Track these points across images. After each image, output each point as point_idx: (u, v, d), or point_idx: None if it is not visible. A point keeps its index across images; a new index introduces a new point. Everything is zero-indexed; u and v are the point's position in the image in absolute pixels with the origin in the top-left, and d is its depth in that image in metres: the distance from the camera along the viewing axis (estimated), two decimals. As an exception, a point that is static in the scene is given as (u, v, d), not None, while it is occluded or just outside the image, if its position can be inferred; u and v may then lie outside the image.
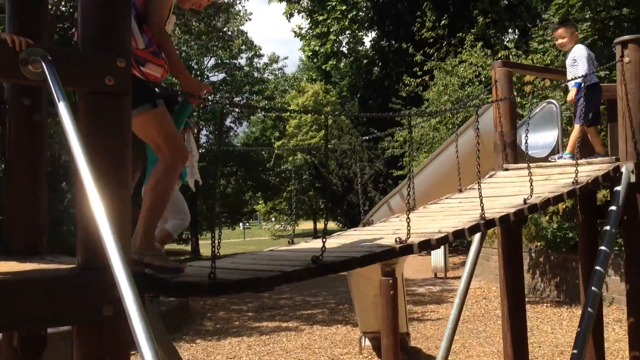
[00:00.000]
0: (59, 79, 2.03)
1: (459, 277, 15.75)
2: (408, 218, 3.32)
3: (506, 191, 4.51)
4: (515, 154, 5.19)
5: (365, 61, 25.61)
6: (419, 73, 17.55)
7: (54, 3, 11.84)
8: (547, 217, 11.84)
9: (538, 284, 12.45)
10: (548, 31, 14.64)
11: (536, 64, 14.41)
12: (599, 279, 4.06)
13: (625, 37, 4.53)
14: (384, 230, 4.13)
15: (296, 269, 2.78)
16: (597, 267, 4.09)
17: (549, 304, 11.32)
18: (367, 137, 9.71)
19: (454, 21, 20.32)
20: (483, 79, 16.01)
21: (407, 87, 17.85)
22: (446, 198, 4.83)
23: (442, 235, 3.40)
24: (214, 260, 2.59)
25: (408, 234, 3.22)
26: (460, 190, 4.88)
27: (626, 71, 4.44)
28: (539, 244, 12.30)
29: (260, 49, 31.57)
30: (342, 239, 4.02)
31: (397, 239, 3.23)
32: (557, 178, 4.50)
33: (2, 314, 1.98)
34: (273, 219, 34.50)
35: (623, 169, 4.34)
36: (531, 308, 11.21)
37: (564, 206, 10.32)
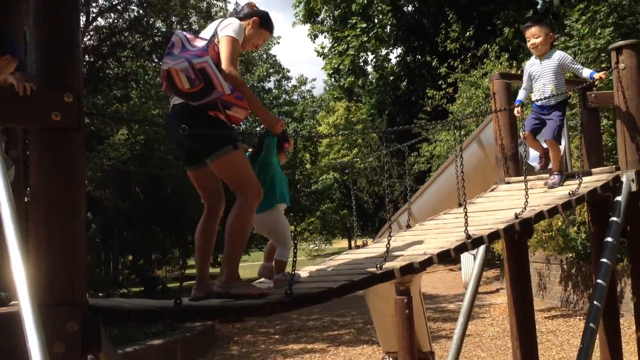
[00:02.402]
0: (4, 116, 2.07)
1: (492, 292, 15.46)
2: (388, 244, 3.29)
3: (504, 205, 4.40)
4: (517, 167, 5.07)
5: (391, 78, 25.58)
6: (443, 86, 17.44)
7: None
8: (575, 228, 11.52)
9: (570, 296, 12.09)
10: (574, 38, 14.41)
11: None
12: (600, 293, 3.92)
13: (620, 43, 4.40)
14: (377, 251, 4.07)
15: (267, 302, 2.76)
16: (599, 281, 3.96)
17: (581, 317, 10.94)
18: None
19: (479, 32, 20.17)
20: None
21: (432, 101, 17.74)
22: (444, 214, 4.75)
23: (426, 257, 3.33)
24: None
25: (384, 260, 3.17)
26: (460, 205, 4.79)
27: (622, 78, 4.31)
28: (570, 255, 11.98)
29: (289, 72, 31.96)
30: (332, 263, 3.99)
31: (378, 265, 3.18)
32: (556, 190, 4.38)
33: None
34: (307, 239, 34.55)
35: (623, 178, 4.20)
36: (564, 322, 10.89)
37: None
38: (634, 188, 4.16)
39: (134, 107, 12.26)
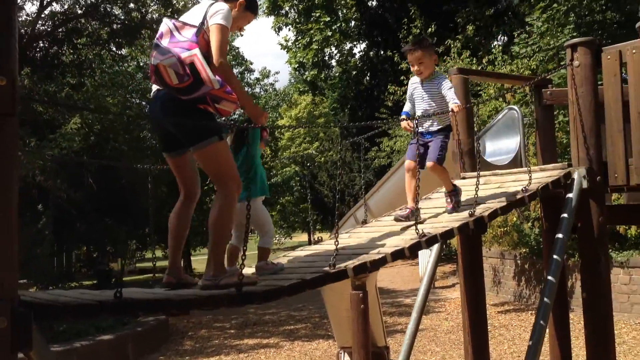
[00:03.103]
0: None
1: (448, 287, 15.63)
2: (336, 241, 3.24)
3: (459, 201, 4.39)
4: (473, 162, 5.07)
5: (354, 72, 25.62)
6: (405, 82, 17.50)
7: (27, 24, 11.80)
8: (529, 224, 11.73)
9: (523, 291, 12.31)
10: (534, 36, 14.63)
11: (521, 70, 14.41)
12: (550, 289, 3.94)
13: (575, 40, 4.43)
14: (330, 248, 4.02)
15: (212, 295, 2.67)
16: (549, 277, 3.98)
17: (534, 311, 11.13)
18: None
19: (441, 29, 20.33)
20: (469, 86, 15.94)
21: (393, 96, 17.81)
22: (399, 209, 4.71)
23: (380, 256, 3.30)
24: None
25: (334, 258, 3.12)
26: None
27: (576, 75, 4.33)
28: (523, 250, 12.19)
29: (252, 64, 31.68)
30: (286, 259, 3.92)
31: (331, 264, 3.13)
32: (509, 186, 4.40)
33: None
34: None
35: (575, 175, 4.23)
36: (516, 316, 11.08)
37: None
38: (585, 185, 4.20)
39: (87, 95, 11.90)
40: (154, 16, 13.92)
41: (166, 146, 3.29)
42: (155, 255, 4.14)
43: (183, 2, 14.90)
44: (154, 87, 3.24)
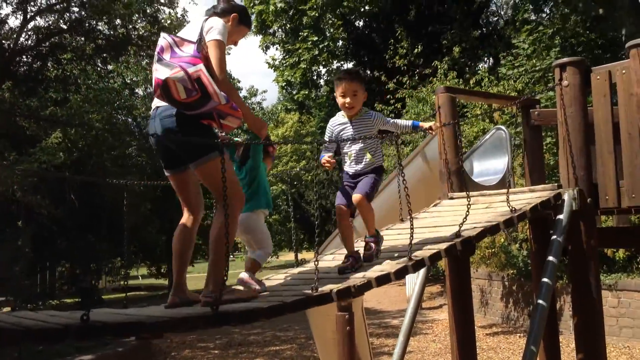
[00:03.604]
0: None
1: (435, 308, 15.49)
2: (317, 268, 3.14)
3: (446, 221, 4.29)
4: (460, 182, 4.99)
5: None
6: (391, 101, 17.52)
7: (10, 37, 11.64)
8: (517, 245, 11.66)
9: (511, 313, 12.21)
10: (520, 58, 14.74)
11: (507, 91, 14.47)
12: (541, 314, 3.84)
13: (564, 60, 4.38)
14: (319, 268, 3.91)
15: (188, 317, 2.54)
16: (539, 301, 3.88)
17: (522, 334, 11.04)
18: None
19: (427, 50, 20.43)
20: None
21: (379, 116, 17.78)
22: (386, 229, 4.61)
23: (365, 281, 3.18)
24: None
25: (315, 282, 3.01)
26: (402, 220, 4.67)
27: (565, 95, 4.28)
28: (511, 272, 12.11)
29: (239, 82, 31.58)
30: (270, 281, 3.80)
31: (314, 287, 3.02)
32: (498, 206, 4.31)
33: None
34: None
35: (565, 196, 4.16)
36: (504, 339, 10.96)
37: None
38: (575, 207, 4.12)
39: (72, 111, 11.74)
40: (140, 33, 13.82)
41: (167, 163, 3.27)
42: (127, 273, 3.99)
43: (170, 20, 14.82)
44: (154, 104, 3.22)
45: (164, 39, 3.13)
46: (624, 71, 4.10)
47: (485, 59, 23.65)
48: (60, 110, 11.43)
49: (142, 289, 30.70)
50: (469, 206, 3.75)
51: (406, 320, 5.14)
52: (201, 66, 3.00)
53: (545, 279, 3.89)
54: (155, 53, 3.12)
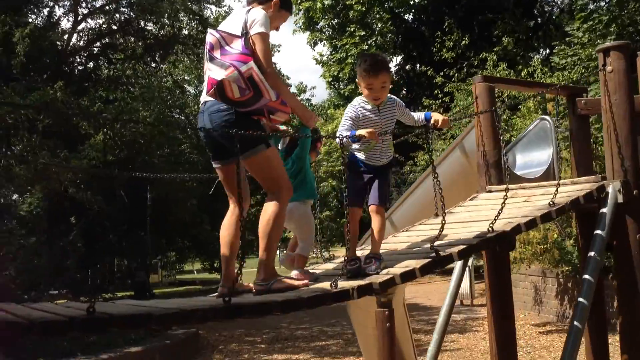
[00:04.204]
0: None
1: (485, 305, 15.11)
2: (344, 264, 3.05)
3: (481, 215, 4.12)
4: (499, 174, 4.79)
5: (390, 86, 25.36)
6: (439, 95, 17.19)
7: (58, 37, 11.94)
8: (571, 241, 11.22)
9: (567, 311, 11.77)
10: (574, 47, 14.16)
11: (561, 82, 13.94)
12: (582, 312, 3.63)
13: (607, 44, 4.14)
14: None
15: (199, 309, 2.50)
16: (580, 299, 3.67)
17: (575, 333, 10.61)
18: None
19: (479, 41, 19.95)
20: (505, 99, 15.56)
21: (427, 110, 17.50)
22: (419, 224, 4.48)
23: (388, 277, 3.08)
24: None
25: (336, 279, 2.93)
26: (437, 215, 4.52)
27: (609, 81, 4.04)
28: (566, 269, 11.67)
29: (289, 78, 31.73)
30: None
31: (333, 284, 2.93)
32: (537, 200, 4.11)
33: None
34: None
35: (609, 189, 3.92)
36: (558, 337, 10.56)
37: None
38: (620, 199, 3.89)
39: (119, 109, 12.02)
40: (188, 32, 14.02)
41: (215, 155, 3.36)
42: (150, 264, 4.01)
43: (215, 17, 14.97)
44: (202, 99, 3.29)
45: (212, 36, 3.18)
46: (673, 54, 3.84)
47: (540, 49, 22.92)
48: (108, 109, 11.73)
49: (197, 283, 31.29)
50: (505, 200, 3.58)
51: (441, 318, 4.99)
52: (252, 64, 3.06)
53: (586, 276, 3.69)
54: (206, 51, 3.19)
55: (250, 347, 11.43)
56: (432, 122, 3.51)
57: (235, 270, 3.00)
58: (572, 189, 4.08)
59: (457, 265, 5.04)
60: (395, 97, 3.61)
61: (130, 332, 9.75)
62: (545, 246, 11.62)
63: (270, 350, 10.94)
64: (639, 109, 4.04)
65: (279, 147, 3.78)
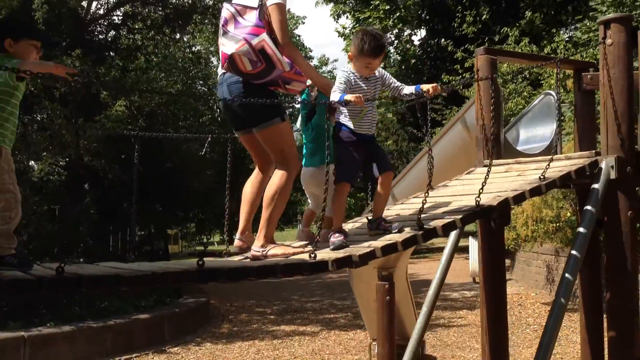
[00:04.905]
0: None
1: (500, 283, 15.05)
2: (317, 235, 3.07)
3: (475, 189, 4.08)
4: (499, 149, 4.73)
5: (413, 61, 25.02)
6: (460, 71, 16.94)
7: (77, 5, 11.98)
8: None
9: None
10: (595, 22, 13.76)
11: (585, 59, 13.60)
12: (566, 288, 3.61)
13: (608, 17, 4.02)
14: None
15: (170, 272, 2.54)
16: (566, 275, 3.64)
17: (585, 313, 10.54)
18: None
19: (502, 15, 19.52)
20: (528, 75, 15.27)
21: (447, 86, 17.26)
22: (413, 197, 4.46)
23: (369, 250, 3.04)
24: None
25: (314, 249, 2.94)
26: (432, 188, 4.49)
27: (609, 54, 3.93)
28: (579, 248, 11.53)
29: (311, 51, 31.55)
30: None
31: (312, 255, 2.93)
32: (530, 174, 4.05)
33: None
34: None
35: (602, 164, 3.85)
36: (567, 316, 10.48)
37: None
38: (613, 175, 3.81)
39: (135, 78, 12.08)
40: (207, 2, 13.99)
41: (236, 125, 3.48)
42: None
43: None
44: (219, 71, 3.37)
45: (226, 10, 3.21)
46: (675, 28, 3.72)
47: (569, 25, 22.35)
48: (125, 78, 11.79)
49: (216, 255, 31.63)
50: (488, 172, 3.55)
51: (430, 292, 4.99)
52: (264, 36, 3.11)
53: (573, 251, 3.65)
54: (220, 26, 3.25)
55: (259, 317, 11.59)
56: (424, 90, 3.45)
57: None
58: (566, 164, 4.01)
59: (450, 238, 5.03)
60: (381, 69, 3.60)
61: (138, 298, 9.91)
62: (557, 224, 11.49)
63: (278, 322, 11.09)
64: (637, 84, 3.95)
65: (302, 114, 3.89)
